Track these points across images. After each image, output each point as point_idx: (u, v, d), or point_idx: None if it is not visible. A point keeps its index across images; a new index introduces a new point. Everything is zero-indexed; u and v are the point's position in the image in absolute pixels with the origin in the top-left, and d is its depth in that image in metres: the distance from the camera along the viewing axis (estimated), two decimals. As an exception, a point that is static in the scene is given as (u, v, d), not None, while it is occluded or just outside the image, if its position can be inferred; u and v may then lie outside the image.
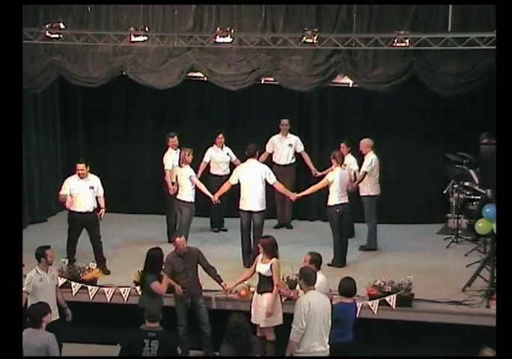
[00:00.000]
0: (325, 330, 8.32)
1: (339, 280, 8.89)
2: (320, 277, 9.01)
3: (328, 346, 8.36)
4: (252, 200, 11.64)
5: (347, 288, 8.73)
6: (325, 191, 11.87)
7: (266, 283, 9.57)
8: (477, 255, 11.85)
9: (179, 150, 12.34)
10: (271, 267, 9.51)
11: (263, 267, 9.60)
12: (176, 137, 12.86)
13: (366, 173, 12.36)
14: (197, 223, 12.92)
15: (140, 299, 9.82)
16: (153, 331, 7.90)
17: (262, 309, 9.49)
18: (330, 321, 8.38)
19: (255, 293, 9.72)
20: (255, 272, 9.75)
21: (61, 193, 11.52)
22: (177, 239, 9.93)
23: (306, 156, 13.75)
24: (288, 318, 9.14)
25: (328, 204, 11.76)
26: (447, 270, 11.59)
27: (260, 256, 9.72)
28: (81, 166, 11.38)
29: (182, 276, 9.93)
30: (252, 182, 11.64)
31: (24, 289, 9.23)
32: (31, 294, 9.27)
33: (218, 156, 13.42)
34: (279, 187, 11.97)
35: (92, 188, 11.46)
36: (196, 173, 12.49)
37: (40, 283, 9.32)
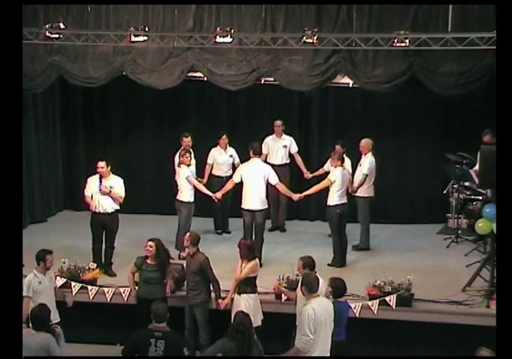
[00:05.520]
0: (329, 336, 8.22)
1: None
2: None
3: (329, 353, 8.26)
4: (254, 198, 11.62)
5: (339, 287, 8.68)
6: (325, 191, 11.87)
7: (245, 284, 9.59)
8: (477, 255, 11.85)
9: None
10: None
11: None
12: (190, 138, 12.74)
13: (367, 175, 12.33)
14: (199, 223, 12.94)
15: None
16: (160, 331, 7.89)
17: (240, 309, 9.35)
18: (332, 326, 8.30)
19: (235, 295, 9.70)
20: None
21: (85, 194, 11.34)
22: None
23: (299, 158, 13.63)
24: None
25: (328, 204, 11.76)
26: (447, 270, 11.60)
27: (240, 261, 9.74)
28: (101, 164, 11.16)
29: (187, 275, 9.95)
30: (254, 181, 11.62)
31: (25, 293, 9.03)
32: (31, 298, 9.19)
33: (220, 158, 13.33)
34: (281, 188, 11.96)
35: (111, 188, 11.23)
36: (201, 175, 12.71)
37: (39, 286, 9.22)
